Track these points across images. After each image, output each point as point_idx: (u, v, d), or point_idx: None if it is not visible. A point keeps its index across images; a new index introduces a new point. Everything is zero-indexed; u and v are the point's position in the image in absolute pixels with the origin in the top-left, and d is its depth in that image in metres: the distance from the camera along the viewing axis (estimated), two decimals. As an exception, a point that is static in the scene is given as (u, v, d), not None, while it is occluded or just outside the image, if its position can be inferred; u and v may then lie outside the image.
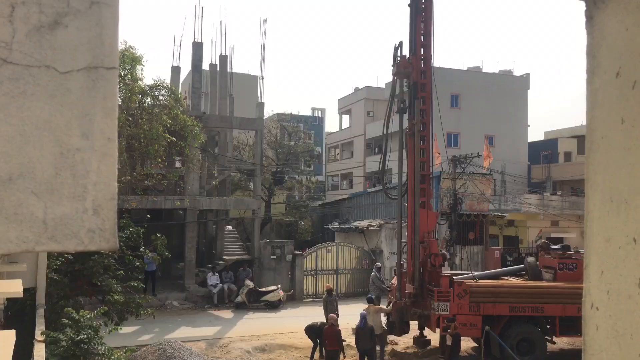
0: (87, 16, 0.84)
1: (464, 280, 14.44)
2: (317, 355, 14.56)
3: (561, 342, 16.06)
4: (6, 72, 0.76)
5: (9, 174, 0.74)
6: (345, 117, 53.27)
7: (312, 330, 14.43)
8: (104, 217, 0.80)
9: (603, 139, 0.91)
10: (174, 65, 26.84)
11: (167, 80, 22.57)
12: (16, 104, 0.78)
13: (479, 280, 14.90)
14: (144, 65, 17.29)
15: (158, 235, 14.24)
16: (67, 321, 9.71)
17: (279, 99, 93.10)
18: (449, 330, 12.48)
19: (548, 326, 14.44)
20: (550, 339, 14.66)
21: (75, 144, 0.81)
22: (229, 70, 27.07)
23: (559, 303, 13.95)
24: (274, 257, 23.89)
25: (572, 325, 14.39)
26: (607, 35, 0.91)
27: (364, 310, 14.57)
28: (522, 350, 13.86)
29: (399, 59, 15.56)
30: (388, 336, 15.26)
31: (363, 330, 12.96)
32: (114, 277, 12.49)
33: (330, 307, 16.17)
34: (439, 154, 23.29)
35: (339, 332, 13.14)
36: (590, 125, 0.94)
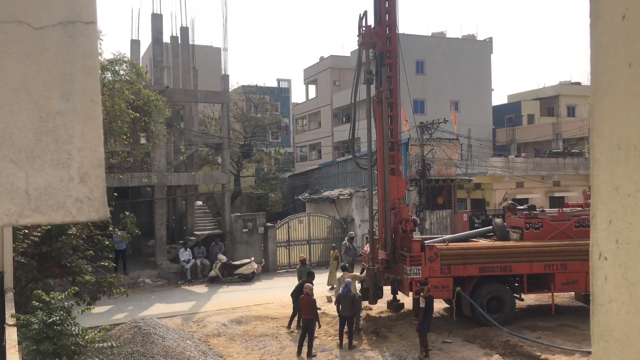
0: (60, -36, 0.75)
1: (435, 244, 14.70)
2: (294, 324, 14.71)
3: (529, 299, 16.61)
4: (-27, 29, 0.67)
5: (-16, 142, 0.67)
6: (312, 87, 52.89)
7: (299, 294, 14.60)
8: (91, 186, 0.74)
9: (609, 85, 0.88)
10: (134, 38, 26.02)
11: (128, 54, 21.88)
12: (-13, 63, 0.71)
13: (449, 244, 15.20)
14: (102, 40, 16.70)
15: (127, 213, 13.98)
16: (37, 304, 9.52)
17: (244, 70, 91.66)
18: (421, 293, 12.73)
19: (516, 284, 14.89)
20: (518, 296, 15.13)
21: (55, 107, 0.73)
22: (190, 42, 26.39)
23: (526, 261, 14.37)
24: (246, 230, 23.85)
25: (539, 282, 14.90)
26: (611, -25, 0.88)
27: (339, 277, 14.75)
28: (492, 308, 14.28)
29: (364, 29, 15.43)
30: (362, 302, 15.51)
31: (345, 298, 13.14)
32: (83, 258, 12.24)
33: (304, 277, 16.29)
34: (407, 121, 23.41)
35: (314, 301, 13.28)
36: (595, 71, 0.91)
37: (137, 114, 17.39)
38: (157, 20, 23.19)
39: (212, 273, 21.49)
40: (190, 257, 22.11)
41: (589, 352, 11.41)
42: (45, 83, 0.73)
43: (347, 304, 13.13)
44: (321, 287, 17.50)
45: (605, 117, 0.90)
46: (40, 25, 0.74)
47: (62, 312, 9.34)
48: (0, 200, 0.71)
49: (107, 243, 12.98)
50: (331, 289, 18.42)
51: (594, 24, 0.91)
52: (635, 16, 0.84)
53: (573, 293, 16.50)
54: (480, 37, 45.54)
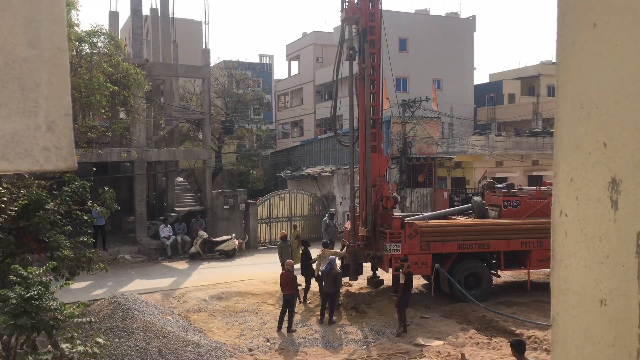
0: None
1: (415, 222, 14.86)
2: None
3: (505, 276, 16.95)
4: None
5: (-53, 87, 0.66)
6: (294, 64, 52.46)
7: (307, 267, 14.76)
8: (59, 134, 0.74)
9: (574, 45, 0.90)
10: (112, 10, 25.48)
11: (106, 26, 21.38)
12: (-52, 8, 0.69)
13: (429, 221, 15.37)
14: (79, 11, 16.29)
15: (106, 188, 13.84)
16: (15, 278, 9.44)
17: (226, 45, 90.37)
18: (401, 270, 12.91)
19: (493, 261, 15.16)
20: (495, 272, 15.42)
21: (21, 54, 0.73)
22: (171, 15, 25.92)
23: (504, 239, 14.62)
24: (227, 206, 23.80)
25: (516, 259, 15.19)
26: (577, -63, 0.89)
27: (320, 252, 14.86)
28: (469, 284, 14.55)
29: (347, 4, 15.30)
30: (342, 278, 15.67)
31: (328, 276, 13.26)
32: (61, 233, 12.11)
33: (285, 253, 16.39)
34: (388, 98, 23.40)
35: (295, 277, 13.38)
36: (561, 31, 0.93)
37: (116, 88, 17.07)
38: (136, -8, 22.69)
39: (193, 249, 21.48)
40: (171, 234, 22.05)
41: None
42: (10, 29, 0.72)
43: (330, 280, 13.26)
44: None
45: (569, 77, 0.92)
46: (5, -30, 0.73)
47: (40, 287, 9.29)
48: (-36, 146, 0.70)
49: (86, 218, 12.84)
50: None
51: (560, -15, 0.93)
52: (601, -23, 0.85)
53: (548, 270, 16.86)
54: (463, 15, 45.50)
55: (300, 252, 16.45)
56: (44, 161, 0.73)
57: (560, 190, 0.95)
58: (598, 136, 0.85)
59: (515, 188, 16.59)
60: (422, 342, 11.74)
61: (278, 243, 17.64)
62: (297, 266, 17.31)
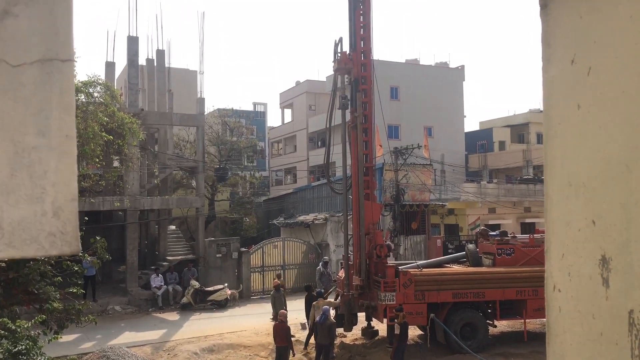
0: (39, 5, 0.78)
1: (409, 270, 14.76)
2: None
3: (502, 326, 16.73)
4: (-48, 67, 0.69)
5: (-40, 176, 0.68)
6: (287, 111, 53.15)
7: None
8: (64, 220, 0.76)
9: (560, 125, 0.94)
10: (109, 60, 25.87)
11: (102, 76, 21.72)
12: (-36, 101, 0.72)
13: (423, 269, 15.28)
14: (76, 61, 16.52)
15: (97, 238, 13.72)
16: (3, 332, 9.24)
17: (220, 94, 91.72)
18: (396, 320, 12.73)
19: (489, 310, 14.99)
20: (491, 322, 15.23)
21: (31, 142, 0.75)
22: (166, 65, 26.39)
23: (499, 288, 14.52)
24: (220, 255, 23.58)
25: (512, 308, 15.04)
26: (561, 24, 0.94)
27: (314, 303, 14.66)
28: (465, 335, 14.33)
29: (339, 54, 15.67)
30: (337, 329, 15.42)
31: (322, 326, 13.04)
32: (51, 284, 11.92)
33: (279, 303, 16.16)
34: (381, 146, 23.64)
35: (288, 328, 13.16)
36: (547, 112, 0.97)
37: (111, 137, 17.20)
38: (133, 42, 23.17)
39: (184, 300, 21.13)
40: (162, 283, 21.73)
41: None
42: (21, 119, 0.76)
43: (324, 331, 13.03)
44: (296, 313, 17.35)
45: (557, 155, 0.95)
46: (18, 62, 0.77)
47: (28, 342, 9.10)
48: (-27, 234, 0.72)
49: (77, 269, 12.68)
50: (273, 319, 18.09)
51: (545, 68, 0.97)
52: (583, 61, 0.90)
53: (545, 319, 16.66)
54: (452, 65, 46.58)
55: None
56: (49, 246, 0.75)
57: (552, 265, 0.97)
58: (587, 214, 0.88)
59: (509, 236, 16.61)
60: (419, 395, 11.46)
61: (271, 293, 17.41)
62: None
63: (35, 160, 0.76)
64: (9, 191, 0.74)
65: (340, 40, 15.76)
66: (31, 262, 11.38)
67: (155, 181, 24.43)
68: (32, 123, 0.76)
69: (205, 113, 27.69)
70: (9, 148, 0.75)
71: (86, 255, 13.32)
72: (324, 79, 45.42)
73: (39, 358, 8.85)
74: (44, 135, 0.76)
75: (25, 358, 8.68)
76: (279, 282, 18.42)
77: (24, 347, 8.77)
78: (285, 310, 14.60)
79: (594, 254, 0.85)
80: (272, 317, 17.16)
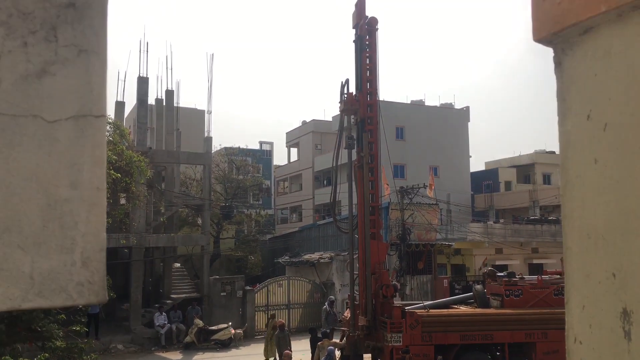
0: (75, 64, 0.82)
1: (416, 311, 14.56)
2: None
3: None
4: (-9, 122, 0.72)
5: (-6, 229, 0.70)
6: (294, 150, 53.54)
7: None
8: (92, 270, 0.77)
9: (578, 178, 0.96)
10: (119, 100, 26.34)
11: (112, 115, 22.07)
12: (2, 155, 0.75)
13: (430, 310, 15.06)
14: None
15: (102, 275, 13.68)
16: (4, 371, 9.11)
17: (227, 132, 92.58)
18: (403, 362, 12.49)
19: (498, 353, 14.70)
20: (500, 365, 14.91)
21: (63, 195, 0.78)
22: (175, 104, 26.82)
23: (507, 329, 14.26)
24: (224, 293, 23.38)
25: (521, 351, 14.73)
26: (576, 80, 0.97)
27: (319, 343, 14.44)
28: (474, 378, 14.02)
29: (346, 95, 15.88)
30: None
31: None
32: (54, 322, 11.84)
33: (283, 344, 15.92)
34: (387, 185, 23.69)
35: (293, 368, 12.94)
36: (565, 165, 0.99)
37: (119, 175, 17.35)
38: (143, 83, 23.63)
39: (188, 339, 20.86)
40: (166, 322, 21.49)
41: None
42: (55, 172, 0.78)
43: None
44: (300, 354, 17.06)
45: (575, 207, 0.97)
46: (54, 119, 0.80)
47: (29, 380, 8.96)
48: (5, 285, 0.73)
49: (80, 307, 12.63)
50: None
51: (561, 122, 1.00)
52: (599, 117, 0.92)
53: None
54: (457, 106, 47.03)
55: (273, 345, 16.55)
56: (77, 296, 0.76)
57: (573, 317, 0.97)
58: (606, 266, 0.89)
59: (517, 277, 16.42)
60: None
61: (275, 333, 17.18)
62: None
63: (67, 212, 0.78)
64: (41, 242, 0.76)
65: (347, 81, 16.00)
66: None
67: (162, 219, 24.49)
68: (65, 176, 0.78)
69: (212, 151, 27.95)
70: (42, 200, 0.77)
71: (90, 293, 13.30)
72: (330, 119, 45.92)
73: (40, 399, 8.69)
74: (75, 187, 0.79)
75: (25, 399, 8.53)
76: (282, 321, 18.23)
77: (25, 387, 8.63)
78: (290, 350, 14.38)
79: (615, 307, 0.86)
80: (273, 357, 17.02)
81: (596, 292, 0.91)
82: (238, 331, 21.74)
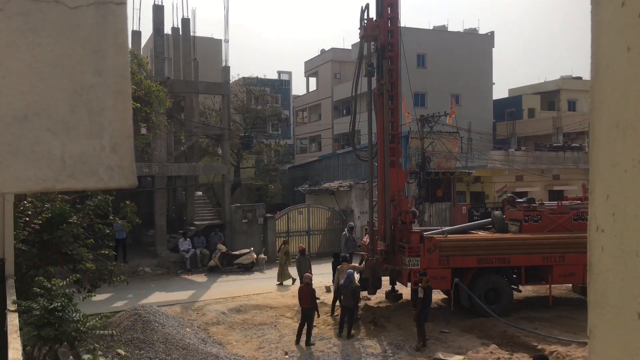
0: (94, -51, 0.80)
1: (434, 236, 14.78)
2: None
3: (526, 291, 16.72)
4: (15, 7, 0.71)
5: (24, 112, 0.71)
6: (312, 80, 52.83)
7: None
8: (121, 155, 0.79)
9: (608, 68, 0.93)
10: (135, 29, 25.92)
11: (129, 45, 21.82)
12: (26, 40, 0.75)
13: (448, 235, 15.28)
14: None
15: (127, 202, 14.04)
16: (39, 290, 9.60)
17: (245, 62, 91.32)
18: (420, 284, 12.82)
19: (514, 276, 14.98)
20: (516, 287, 15.23)
21: (88, 81, 0.78)
22: (192, 34, 26.35)
23: (525, 253, 14.46)
24: (246, 220, 23.91)
25: (537, 274, 14.99)
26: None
27: (338, 267, 14.84)
28: (489, 299, 14.38)
29: (366, 21, 15.43)
30: (361, 292, 15.61)
31: (346, 289, 13.26)
32: (84, 246, 12.30)
33: (304, 267, 16.41)
34: (408, 113, 23.41)
35: (314, 290, 13.39)
36: (595, 54, 0.96)
37: (138, 105, 17.39)
38: (158, 11, 23.14)
39: (212, 262, 21.59)
40: (190, 247, 22.19)
41: (585, 343, 11.53)
42: (79, 59, 0.78)
43: (349, 294, 13.24)
44: (320, 277, 17.60)
45: (604, 98, 0.95)
46: (75, 5, 0.79)
47: (63, 299, 9.43)
48: (38, 166, 0.76)
49: (108, 232, 13.05)
50: (280, 284, 18.58)
51: (594, 10, 0.96)
52: (634, 3, 0.89)
53: (570, 285, 16.60)
54: (482, 31, 45.42)
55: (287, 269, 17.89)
56: (108, 179, 0.78)
57: (596, 207, 0.97)
58: (634, 155, 0.88)
59: (536, 203, 16.43)
60: (442, 357, 11.62)
61: (296, 257, 17.68)
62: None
63: (93, 98, 0.78)
64: (70, 127, 0.77)
65: (367, 6, 15.49)
66: (64, 225, 11.75)
67: (182, 148, 24.70)
68: (89, 63, 0.78)
69: (230, 82, 27.69)
70: (67, 86, 0.78)
71: (117, 218, 13.69)
72: (349, 47, 44.83)
73: (74, 314, 9.18)
74: (100, 74, 0.79)
75: (60, 314, 9.01)
76: (303, 246, 18.76)
77: (59, 304, 9.09)
78: (311, 273, 14.83)
79: (640, 194, 0.86)
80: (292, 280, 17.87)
81: (622, 180, 0.90)
82: (262, 256, 22.39)
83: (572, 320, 13.79)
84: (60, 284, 9.84)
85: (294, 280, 18.41)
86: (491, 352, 11.75)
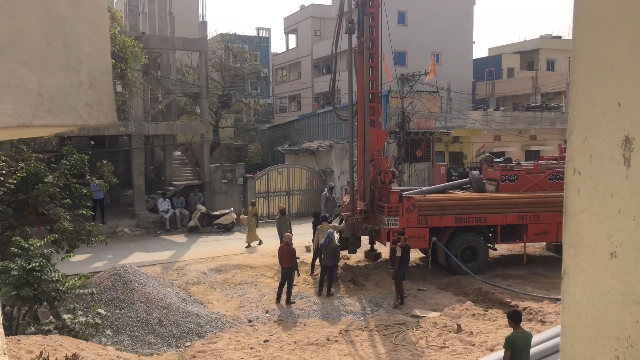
0: None
1: (413, 196, 14.94)
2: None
3: (502, 249, 17.14)
4: None
5: (-1, 43, 0.69)
6: (292, 37, 51.93)
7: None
8: (100, 91, 0.77)
9: (591, 8, 0.93)
10: (107, -19, 25.02)
11: (101, -3, 21.08)
12: (-4, -33, 0.72)
13: (427, 195, 15.46)
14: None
15: (104, 162, 13.85)
16: (16, 250, 9.52)
17: (222, 18, 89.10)
18: (398, 243, 13.03)
19: (490, 234, 15.30)
20: (492, 246, 15.59)
21: (64, 13, 0.75)
22: (167, -14, 25.55)
23: (501, 213, 14.74)
24: (225, 181, 23.84)
25: (512, 232, 15.34)
26: None
27: (319, 226, 14.96)
28: (466, 257, 14.71)
29: (346, -25, 15.10)
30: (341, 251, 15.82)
31: (326, 249, 13.41)
32: (61, 206, 12.17)
33: (284, 227, 16.52)
34: (389, 72, 23.26)
35: (294, 250, 13.52)
36: (578, -4, 0.96)
37: (113, 61, 16.95)
38: (132, -38, 22.33)
39: (191, 223, 21.59)
40: (169, 207, 22.12)
41: (558, 299, 11.93)
42: (52, -12, 0.75)
43: (329, 253, 13.41)
44: (300, 237, 17.76)
45: (585, 39, 0.95)
46: None
47: (41, 259, 9.38)
48: (15, 101, 0.74)
49: (85, 192, 12.90)
50: (248, 246, 18.38)
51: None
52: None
53: (544, 243, 17.05)
54: (463, -12, 44.78)
55: (256, 231, 17.97)
56: (87, 116, 0.77)
57: (574, 150, 0.99)
58: (612, 96, 0.89)
59: (513, 162, 16.66)
60: (419, 314, 11.93)
61: (277, 217, 17.76)
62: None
63: (69, 31, 0.76)
64: (46, 60, 0.75)
65: (348, -40, 15.14)
66: (40, 184, 11.58)
67: (160, 106, 24.30)
68: (62, -7, 0.75)
69: (208, 38, 27.09)
70: (43, 17, 0.75)
71: (94, 178, 13.52)
72: (330, 3, 44.02)
73: (53, 274, 9.15)
74: (76, 6, 0.76)
75: (39, 274, 8.98)
76: (283, 206, 18.82)
77: (37, 264, 9.06)
78: (291, 233, 14.94)
79: (617, 135, 0.87)
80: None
81: (600, 122, 0.92)
82: (245, 216, 22.40)
83: (545, 277, 14.22)
84: (38, 244, 9.77)
85: (260, 242, 18.41)
86: (466, 309, 12.10)
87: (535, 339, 7.97)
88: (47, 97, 0.75)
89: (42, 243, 10.08)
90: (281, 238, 16.34)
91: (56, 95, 0.75)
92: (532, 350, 7.50)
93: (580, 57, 0.97)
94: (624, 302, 0.85)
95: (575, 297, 0.94)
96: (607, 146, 0.90)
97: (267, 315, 12.36)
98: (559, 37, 48.66)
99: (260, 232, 18.98)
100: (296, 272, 13.55)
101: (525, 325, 9.14)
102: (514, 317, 7.30)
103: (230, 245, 18.85)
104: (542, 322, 11.09)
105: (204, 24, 24.31)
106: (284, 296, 13.09)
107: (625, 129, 0.86)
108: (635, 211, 0.83)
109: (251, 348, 10.28)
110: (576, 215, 0.96)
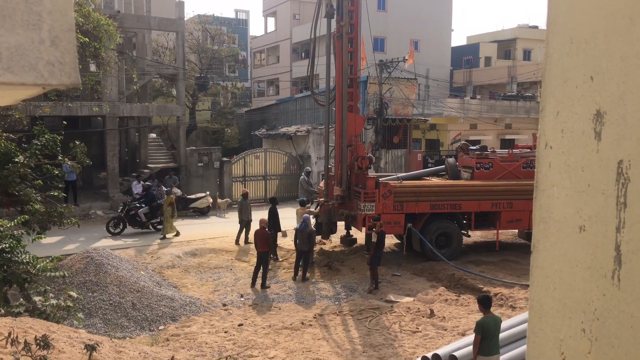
0: None
1: (389, 182, 15.02)
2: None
3: (475, 236, 17.38)
4: None
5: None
6: (271, 20, 51.41)
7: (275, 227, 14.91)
8: (62, 50, 0.73)
9: (567, -18, 0.93)
10: (81, -43, 24.33)
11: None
12: None
13: (403, 182, 15.56)
14: None
15: (77, 142, 13.57)
16: (-15, 231, 9.30)
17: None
18: (374, 229, 13.11)
19: (464, 221, 15.50)
20: (466, 232, 15.80)
21: (24, -34, 0.72)
22: (143, -36, 24.98)
23: (475, 200, 14.92)
24: (201, 164, 23.63)
25: (486, 220, 15.56)
26: None
27: (297, 210, 14.96)
28: (440, 244, 14.89)
29: (326, -43, 14.96)
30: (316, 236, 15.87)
31: (301, 233, 13.41)
32: (32, 187, 11.90)
33: (245, 211, 16.49)
34: (365, 58, 23.20)
35: (269, 234, 13.50)
36: (555, -31, 0.96)
37: (87, 39, 16.54)
38: (107, -62, 21.75)
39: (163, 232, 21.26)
40: (143, 191, 21.80)
41: (527, 286, 12.18)
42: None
43: (304, 238, 13.42)
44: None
45: (560, 13, 0.95)
46: None
47: (11, 240, 9.19)
48: (-29, 56, 0.70)
49: (57, 173, 12.63)
50: (163, 238, 17.22)
51: None
52: None
53: (517, 231, 17.34)
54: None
55: (172, 221, 17.25)
56: (49, 75, 0.73)
57: (546, 124, 0.99)
58: (585, 70, 0.89)
59: (488, 150, 16.85)
60: (393, 299, 12.06)
61: (239, 200, 17.63)
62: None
63: (29, -15, 0.72)
64: (5, 15, 0.71)
65: (328, -58, 14.98)
66: (10, 165, 11.30)
67: (135, 87, 23.88)
68: (22, -56, 0.71)
69: (185, 19, 26.64)
70: (1, -30, 0.71)
71: (66, 159, 13.24)
72: (310, -14, 43.58)
73: (23, 256, 8.97)
74: (35, -42, 0.73)
75: (9, 256, 8.80)
76: (246, 190, 18.82)
77: (7, 245, 8.87)
78: (250, 217, 14.96)
79: (589, 109, 0.87)
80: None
81: (572, 96, 0.92)
82: (225, 200, 22.22)
83: (517, 264, 14.49)
84: (8, 225, 9.55)
85: (178, 233, 17.57)
86: (439, 294, 12.28)
87: (505, 324, 8.14)
88: (6, 55, 0.71)
89: (12, 224, 9.87)
90: (241, 221, 16.36)
91: (15, 53, 0.71)
92: (502, 335, 7.66)
93: (554, 30, 0.96)
94: (591, 276, 0.86)
95: (544, 271, 0.95)
96: (579, 120, 0.90)
97: (242, 299, 12.36)
98: (536, 27, 49.16)
99: (236, 216, 18.87)
100: (272, 256, 13.54)
101: (496, 311, 9.32)
102: (484, 302, 7.42)
103: (206, 229, 18.74)
104: (513, 307, 11.31)
105: (181, 4, 23.88)
106: (259, 280, 13.10)
107: (597, 103, 0.86)
108: (605, 185, 0.84)
109: (225, 332, 10.28)
110: (547, 189, 0.96)
